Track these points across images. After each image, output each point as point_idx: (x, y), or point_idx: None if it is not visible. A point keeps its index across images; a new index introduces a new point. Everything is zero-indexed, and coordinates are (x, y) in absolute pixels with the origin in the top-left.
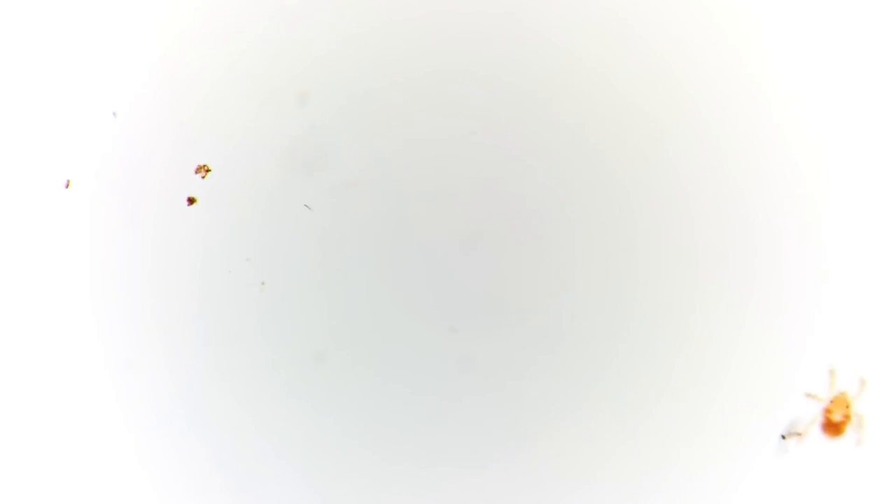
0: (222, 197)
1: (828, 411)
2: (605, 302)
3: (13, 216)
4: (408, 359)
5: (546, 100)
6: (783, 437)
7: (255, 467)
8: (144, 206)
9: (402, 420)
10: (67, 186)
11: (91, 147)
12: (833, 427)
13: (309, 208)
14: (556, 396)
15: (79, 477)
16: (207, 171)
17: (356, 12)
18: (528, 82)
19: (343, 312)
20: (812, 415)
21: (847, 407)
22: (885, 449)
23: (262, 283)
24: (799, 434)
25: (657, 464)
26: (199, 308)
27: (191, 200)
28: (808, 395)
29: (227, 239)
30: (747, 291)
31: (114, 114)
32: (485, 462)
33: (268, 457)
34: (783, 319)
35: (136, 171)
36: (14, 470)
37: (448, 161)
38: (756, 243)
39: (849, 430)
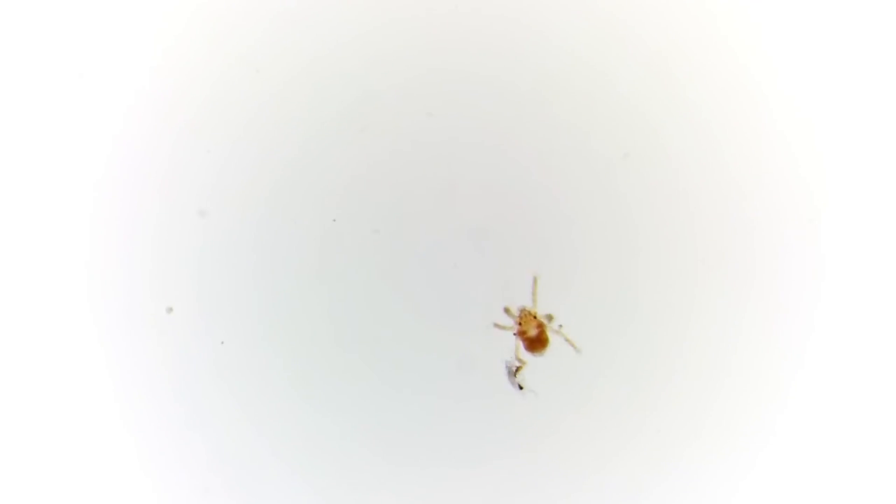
0: (223, 197)
1: (521, 332)
2: (605, 302)
3: (13, 216)
4: (408, 359)
5: (546, 100)
6: (521, 387)
7: (255, 467)
8: (145, 205)
9: (403, 420)
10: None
11: (91, 147)
12: (535, 342)
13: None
14: (557, 396)
15: (79, 477)
16: None
17: (357, 13)
18: (528, 82)
19: (343, 312)
20: (512, 347)
21: (534, 317)
22: (885, 449)
23: (262, 282)
24: (519, 367)
25: (658, 463)
26: (200, 308)
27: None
28: (497, 326)
29: (227, 239)
30: (747, 291)
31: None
32: (485, 462)
33: (268, 457)
34: (783, 319)
35: (137, 170)
36: (14, 470)
37: (448, 161)
38: (756, 243)
39: (552, 338)
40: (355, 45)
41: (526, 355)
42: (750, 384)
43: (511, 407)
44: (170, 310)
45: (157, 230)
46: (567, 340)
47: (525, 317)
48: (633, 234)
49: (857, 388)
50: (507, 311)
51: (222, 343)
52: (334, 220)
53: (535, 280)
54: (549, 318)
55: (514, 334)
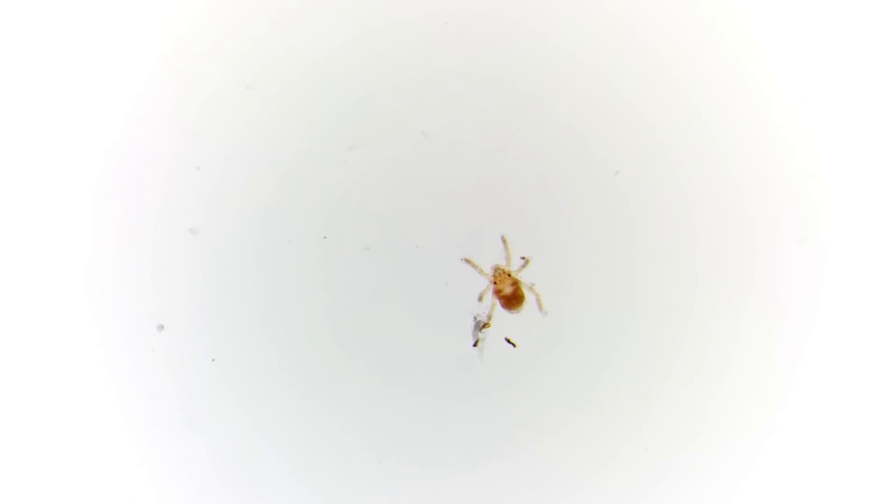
0: (223, 198)
1: (497, 291)
2: (605, 302)
3: (13, 216)
4: (408, 359)
5: (546, 100)
6: (475, 343)
7: (255, 467)
8: (145, 205)
9: (403, 420)
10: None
11: (91, 147)
12: (511, 299)
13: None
14: (557, 396)
15: (79, 477)
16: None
17: (357, 14)
18: (528, 82)
19: (343, 312)
20: (486, 303)
21: (509, 275)
22: (885, 449)
23: (261, 282)
24: (486, 325)
25: (657, 463)
26: (200, 307)
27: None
28: (467, 261)
29: (227, 239)
30: (747, 291)
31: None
32: (485, 462)
33: (268, 457)
34: (783, 319)
35: (137, 171)
36: (14, 470)
37: (449, 161)
38: (756, 243)
39: (528, 297)
40: (356, 47)
41: (501, 314)
42: (750, 384)
43: (511, 407)
44: (161, 327)
45: (158, 230)
46: (537, 299)
47: (500, 275)
48: (632, 234)
49: (856, 388)
50: (468, 261)
51: (213, 360)
52: (325, 237)
53: (503, 239)
54: (525, 260)
55: (491, 294)
